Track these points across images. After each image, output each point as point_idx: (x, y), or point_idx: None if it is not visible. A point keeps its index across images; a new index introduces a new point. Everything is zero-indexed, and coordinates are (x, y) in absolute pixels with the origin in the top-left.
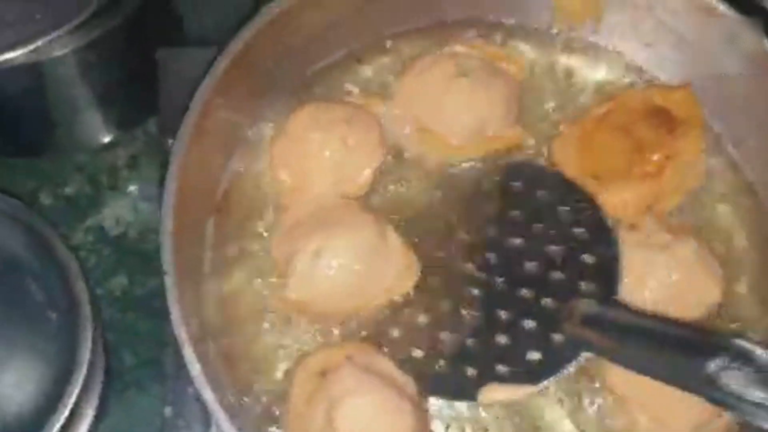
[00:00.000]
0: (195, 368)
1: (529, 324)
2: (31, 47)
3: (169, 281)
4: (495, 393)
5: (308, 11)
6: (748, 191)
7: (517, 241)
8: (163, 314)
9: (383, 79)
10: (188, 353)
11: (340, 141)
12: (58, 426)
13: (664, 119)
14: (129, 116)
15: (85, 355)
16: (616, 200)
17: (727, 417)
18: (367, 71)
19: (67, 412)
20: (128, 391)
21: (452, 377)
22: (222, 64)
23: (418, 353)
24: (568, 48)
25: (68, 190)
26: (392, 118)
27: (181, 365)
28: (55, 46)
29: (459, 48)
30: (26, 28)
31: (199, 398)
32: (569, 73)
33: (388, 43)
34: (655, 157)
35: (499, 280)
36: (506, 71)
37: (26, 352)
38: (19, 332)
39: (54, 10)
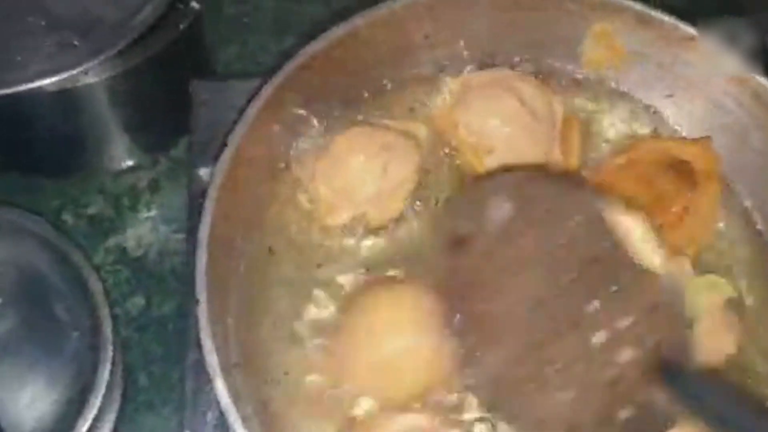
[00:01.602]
0: (227, 399)
1: None
2: (66, 75)
3: (201, 312)
4: None
5: (355, 47)
6: (761, 246)
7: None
8: (179, 337)
9: (427, 106)
10: (219, 385)
11: (381, 168)
12: None
13: (684, 171)
14: (155, 142)
15: (104, 375)
16: None
17: None
18: (411, 98)
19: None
20: (141, 412)
21: None
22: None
23: None
24: (593, 94)
25: (90, 211)
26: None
27: (197, 390)
28: (89, 74)
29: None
30: (64, 56)
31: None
32: (591, 119)
33: (432, 74)
34: (674, 209)
35: None
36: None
37: (45, 370)
38: (39, 350)
39: (91, 40)
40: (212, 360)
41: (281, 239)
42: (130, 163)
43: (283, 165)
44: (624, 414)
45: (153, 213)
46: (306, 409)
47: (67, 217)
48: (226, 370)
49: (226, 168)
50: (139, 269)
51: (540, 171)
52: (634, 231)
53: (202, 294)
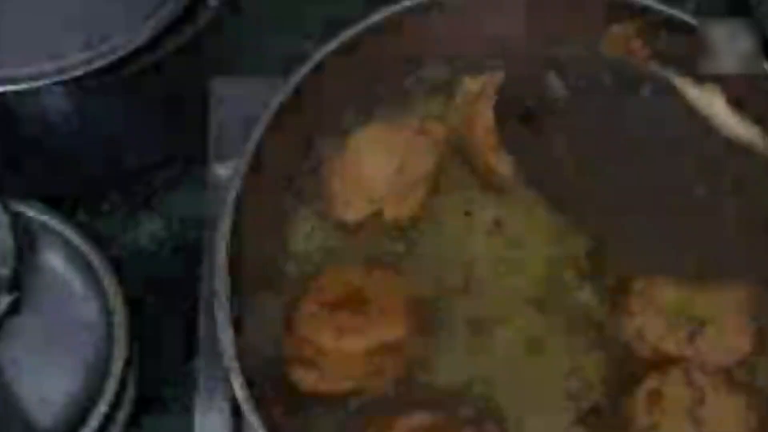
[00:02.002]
0: (243, 396)
1: None
2: (81, 72)
3: (220, 310)
4: None
5: (373, 46)
6: None
7: None
8: (193, 334)
9: (446, 106)
10: (238, 384)
11: (397, 164)
12: None
13: None
14: (173, 141)
15: (118, 371)
16: None
17: None
18: (430, 98)
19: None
20: (155, 409)
21: None
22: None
23: None
24: None
25: (105, 207)
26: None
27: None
28: (104, 73)
29: None
30: (79, 54)
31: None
32: None
33: (451, 74)
34: None
35: None
36: None
37: (60, 365)
38: (55, 346)
39: (107, 39)
40: (230, 353)
41: (298, 238)
42: (148, 161)
43: (302, 165)
44: None
45: (169, 210)
46: None
47: (82, 215)
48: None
49: (245, 169)
50: (153, 267)
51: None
52: (713, 103)
53: (221, 287)
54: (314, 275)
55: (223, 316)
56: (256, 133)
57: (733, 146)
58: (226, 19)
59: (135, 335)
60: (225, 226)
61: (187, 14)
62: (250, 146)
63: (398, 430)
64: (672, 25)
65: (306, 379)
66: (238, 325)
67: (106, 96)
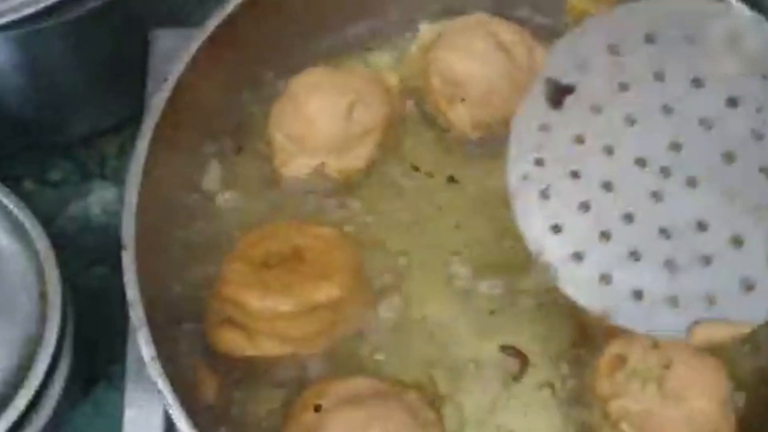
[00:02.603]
0: (148, 354)
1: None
2: (16, 17)
3: (127, 257)
4: (712, 330)
5: None
6: None
7: None
8: None
9: (394, 58)
10: (144, 340)
11: (345, 109)
12: (16, 414)
13: None
14: (122, 104)
15: (51, 344)
16: None
17: None
18: (382, 46)
19: (26, 402)
20: (98, 386)
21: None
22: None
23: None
24: None
25: (54, 176)
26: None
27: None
28: (42, 18)
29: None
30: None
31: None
32: None
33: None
34: None
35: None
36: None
37: None
38: None
39: None
40: (138, 312)
41: (236, 193)
42: (99, 126)
43: (235, 115)
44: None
45: (119, 179)
46: None
47: (29, 184)
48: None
49: (159, 113)
50: (103, 237)
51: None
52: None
53: (129, 241)
54: (247, 231)
55: (130, 271)
56: (170, 82)
57: None
58: None
59: (74, 308)
60: (136, 173)
61: None
62: (163, 93)
63: (335, 396)
64: None
65: (232, 341)
66: (155, 282)
67: (47, 46)
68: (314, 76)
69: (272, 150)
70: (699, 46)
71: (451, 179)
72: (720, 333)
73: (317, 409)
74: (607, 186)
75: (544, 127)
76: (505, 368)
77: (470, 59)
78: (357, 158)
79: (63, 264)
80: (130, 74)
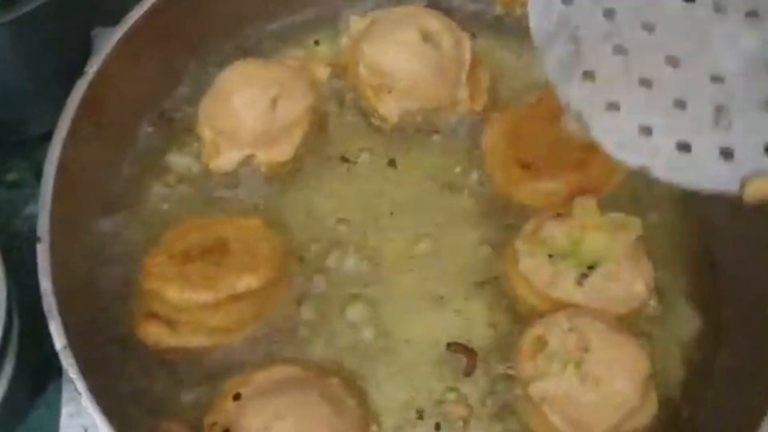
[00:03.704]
0: (59, 343)
1: None
2: None
3: (41, 249)
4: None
5: None
6: None
7: None
8: None
9: (329, 48)
10: (55, 329)
11: (269, 102)
12: None
13: None
14: None
15: None
16: (543, 189)
17: (643, 418)
18: (312, 38)
19: None
20: (49, 390)
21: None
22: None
23: None
24: (506, 35)
25: (10, 177)
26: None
27: None
28: None
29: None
30: None
31: None
32: (503, 61)
33: (336, 12)
34: (580, 146)
35: None
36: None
37: None
38: None
39: None
40: (49, 300)
41: (162, 185)
42: (53, 127)
43: (163, 108)
44: None
45: None
46: None
47: None
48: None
49: (80, 96)
50: None
51: None
52: None
53: (44, 234)
54: (171, 224)
55: (44, 262)
56: (101, 54)
57: None
58: None
59: (22, 307)
60: (54, 155)
61: None
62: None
63: (255, 385)
64: None
65: (155, 333)
66: (77, 273)
67: None
68: (240, 70)
69: (200, 143)
70: None
71: (381, 166)
72: None
73: (237, 397)
74: (648, 27)
75: None
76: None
77: (397, 51)
78: (283, 150)
79: (18, 265)
80: (77, 73)
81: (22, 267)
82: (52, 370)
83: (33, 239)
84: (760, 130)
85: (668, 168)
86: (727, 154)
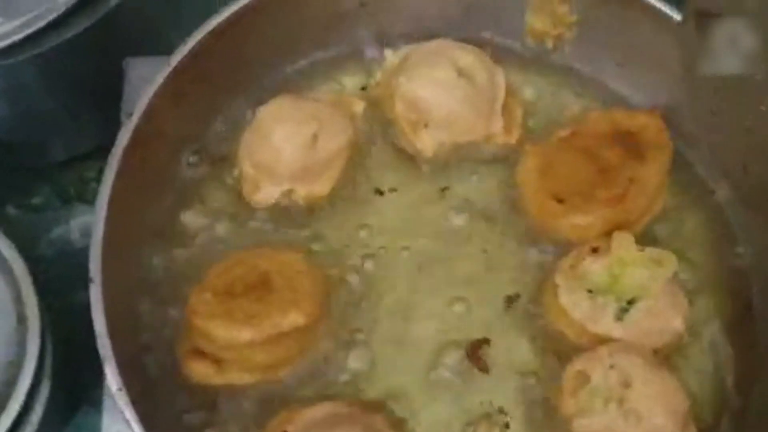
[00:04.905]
0: (115, 385)
1: None
2: None
3: (94, 291)
4: None
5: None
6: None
7: None
8: None
9: (363, 82)
10: (110, 371)
11: (309, 138)
12: None
13: (629, 143)
14: (99, 128)
15: (30, 369)
16: (578, 224)
17: None
18: (345, 74)
19: (6, 427)
20: (83, 408)
21: None
22: (167, 70)
23: None
24: (540, 68)
25: (36, 201)
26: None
27: None
28: (18, 50)
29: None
30: None
31: None
32: (536, 94)
33: (371, 48)
34: (619, 182)
35: None
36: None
37: None
38: None
39: (18, 17)
40: (104, 342)
41: (204, 221)
42: (78, 151)
43: (203, 144)
44: None
45: None
46: None
47: (11, 209)
48: (124, 355)
49: (128, 139)
50: (83, 260)
51: None
52: None
53: (96, 274)
54: (215, 259)
55: (96, 300)
56: (146, 97)
57: None
58: None
59: (55, 331)
60: (102, 205)
61: None
62: (131, 123)
63: (301, 422)
64: None
65: (201, 371)
66: (124, 310)
67: (25, 76)
68: (280, 106)
69: (241, 178)
70: None
71: (417, 197)
72: None
73: None
74: None
75: None
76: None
77: (432, 86)
78: (323, 184)
79: (44, 288)
80: (107, 100)
81: (48, 290)
82: (84, 396)
83: (60, 264)
84: None
85: None
86: None
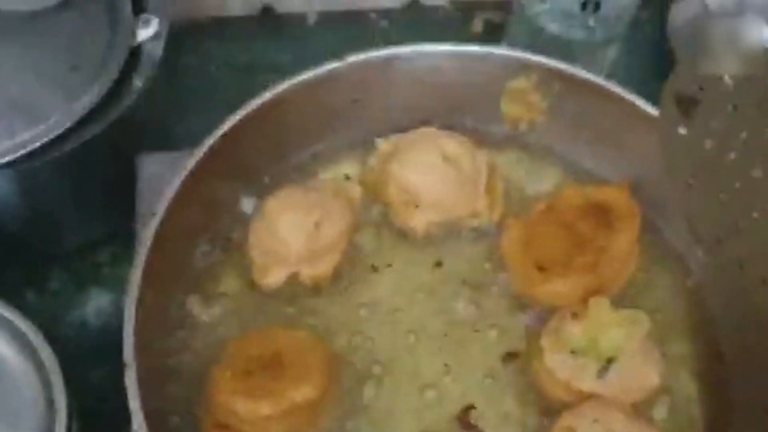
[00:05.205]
0: None
1: None
2: (11, 158)
3: (130, 376)
4: None
5: (281, 114)
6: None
7: None
8: None
9: (359, 169)
10: None
11: (312, 225)
12: None
13: (600, 214)
14: (113, 216)
15: None
16: (558, 290)
17: None
18: (345, 160)
19: None
20: None
21: None
22: (183, 174)
23: None
24: (517, 149)
25: (53, 286)
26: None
27: None
28: (37, 155)
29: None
30: (8, 139)
31: None
32: (515, 172)
33: (364, 137)
34: (592, 250)
35: None
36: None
37: None
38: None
39: (35, 123)
40: (139, 420)
41: (219, 305)
42: (91, 238)
43: (215, 233)
44: None
45: (114, 284)
46: None
47: (30, 294)
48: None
49: (151, 238)
50: (100, 340)
51: None
52: None
53: (130, 357)
54: (231, 339)
55: (132, 383)
56: (161, 207)
57: None
58: (155, 96)
59: (79, 411)
60: (133, 292)
61: (114, 94)
62: (156, 218)
63: None
64: (564, 77)
65: None
66: (152, 390)
67: (42, 179)
68: (284, 197)
69: (251, 264)
70: None
71: (413, 271)
72: None
73: None
74: None
75: None
76: None
77: (421, 172)
78: (326, 265)
79: (64, 367)
80: (118, 192)
81: (68, 372)
82: None
83: (77, 345)
84: None
85: None
86: None
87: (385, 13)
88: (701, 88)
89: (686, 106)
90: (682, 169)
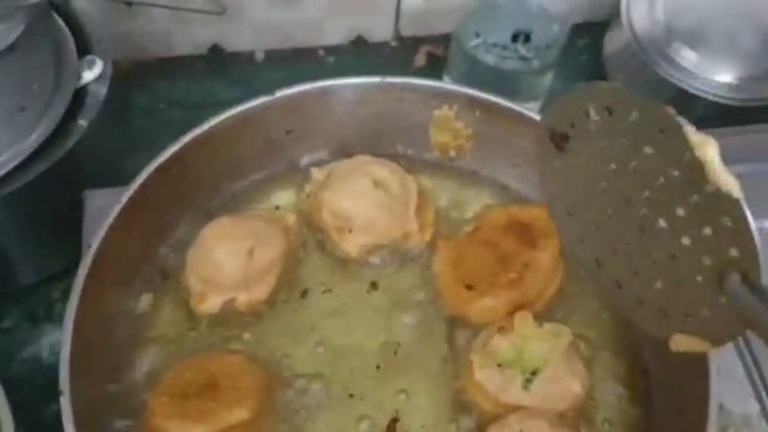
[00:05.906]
0: None
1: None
2: None
3: (65, 403)
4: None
5: (217, 147)
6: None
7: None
8: None
9: (294, 197)
10: None
11: (246, 252)
12: None
13: (523, 232)
14: (65, 252)
15: None
16: (486, 307)
17: None
18: (280, 189)
19: None
20: None
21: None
22: (118, 207)
23: None
24: (446, 173)
25: (6, 324)
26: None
27: None
28: None
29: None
30: None
31: None
32: (444, 195)
33: (299, 166)
34: (516, 267)
35: None
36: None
37: None
38: None
39: None
40: None
41: (155, 333)
42: (43, 275)
43: (153, 262)
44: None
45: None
46: None
47: None
48: None
49: (87, 268)
50: (54, 376)
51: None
52: (708, 152)
53: (65, 385)
54: (169, 365)
55: (67, 409)
56: (95, 242)
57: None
58: (100, 133)
59: None
60: (69, 321)
61: (60, 134)
62: (89, 253)
63: None
64: (482, 105)
65: None
66: (90, 419)
67: None
68: (220, 225)
69: (188, 291)
70: None
71: (346, 294)
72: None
73: None
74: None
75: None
76: None
77: (353, 198)
78: (261, 290)
79: (18, 404)
80: (68, 227)
81: (22, 409)
82: None
83: (31, 382)
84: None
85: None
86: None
87: (332, 50)
88: (572, 125)
89: (558, 140)
90: (561, 199)
